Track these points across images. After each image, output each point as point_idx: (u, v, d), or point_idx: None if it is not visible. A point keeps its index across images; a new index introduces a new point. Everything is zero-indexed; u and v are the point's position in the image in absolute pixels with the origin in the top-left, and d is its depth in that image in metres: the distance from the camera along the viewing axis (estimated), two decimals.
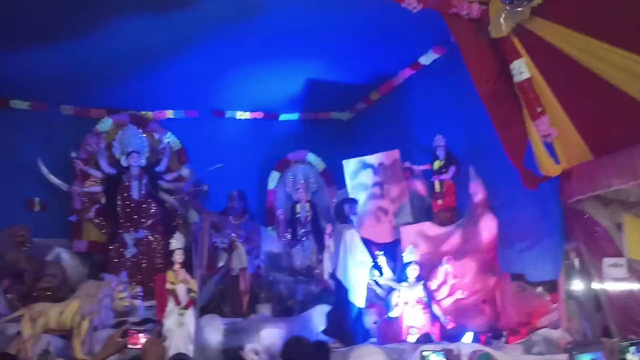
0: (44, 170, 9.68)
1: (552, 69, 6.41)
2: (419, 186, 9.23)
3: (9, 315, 7.10)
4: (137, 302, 6.93)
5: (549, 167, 6.70)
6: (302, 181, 10.74)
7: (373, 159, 9.25)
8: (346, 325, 7.32)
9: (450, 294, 7.78)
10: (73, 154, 9.83)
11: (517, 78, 6.44)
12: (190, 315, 7.17)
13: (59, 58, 8.76)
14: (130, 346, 2.81)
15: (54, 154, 9.93)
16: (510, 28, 6.29)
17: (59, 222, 9.94)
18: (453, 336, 7.33)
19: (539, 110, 6.45)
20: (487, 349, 5.81)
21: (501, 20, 6.25)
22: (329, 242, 7.98)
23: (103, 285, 6.71)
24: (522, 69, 6.42)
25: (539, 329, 6.98)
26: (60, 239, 9.72)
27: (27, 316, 6.46)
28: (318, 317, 7.85)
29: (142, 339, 2.79)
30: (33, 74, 9.23)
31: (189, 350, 6.89)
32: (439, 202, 8.78)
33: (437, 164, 8.86)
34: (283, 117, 11.68)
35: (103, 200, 9.81)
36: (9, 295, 8.23)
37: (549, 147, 6.64)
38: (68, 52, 8.62)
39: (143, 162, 9.90)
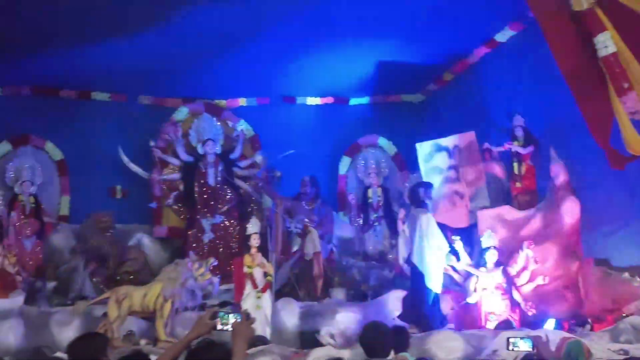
0: (125, 159, 10.03)
1: None
2: (497, 168, 8.96)
3: (96, 298, 7.40)
4: (215, 280, 7.08)
5: (637, 146, 6.32)
6: (374, 166, 10.65)
7: (447, 141, 9.05)
8: (422, 311, 7.23)
9: (530, 280, 7.55)
10: (151, 143, 10.11)
11: (602, 52, 6.09)
12: (266, 298, 7.29)
13: (136, 50, 9.06)
14: (219, 327, 2.83)
15: (133, 143, 10.26)
16: None
17: (140, 209, 10.29)
18: (534, 323, 7.14)
19: (626, 85, 6.07)
20: (576, 336, 5.58)
21: None
22: (403, 227, 7.88)
23: (181, 268, 6.88)
24: (607, 42, 6.06)
25: (627, 316, 6.67)
26: (141, 225, 10.09)
27: (112, 298, 6.71)
28: (393, 302, 7.78)
29: (232, 320, 2.81)
30: (112, 66, 9.60)
31: (267, 332, 7.02)
32: (518, 184, 8.51)
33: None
34: (353, 101, 11.61)
35: (181, 187, 10.09)
36: (94, 278, 8.63)
37: (637, 124, 6.26)
38: (145, 45, 8.90)
39: (218, 149, 10.10)
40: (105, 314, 6.77)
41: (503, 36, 9.03)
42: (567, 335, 5.63)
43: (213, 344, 2.76)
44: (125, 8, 7.96)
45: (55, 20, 8.16)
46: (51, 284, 8.57)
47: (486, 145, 8.96)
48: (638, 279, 6.90)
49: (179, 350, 2.86)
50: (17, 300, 7.55)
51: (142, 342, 6.86)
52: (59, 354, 6.23)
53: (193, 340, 2.84)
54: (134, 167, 10.07)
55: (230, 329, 2.77)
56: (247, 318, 2.80)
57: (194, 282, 6.77)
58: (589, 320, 7.02)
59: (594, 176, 7.40)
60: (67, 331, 6.96)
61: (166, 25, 8.45)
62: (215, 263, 7.24)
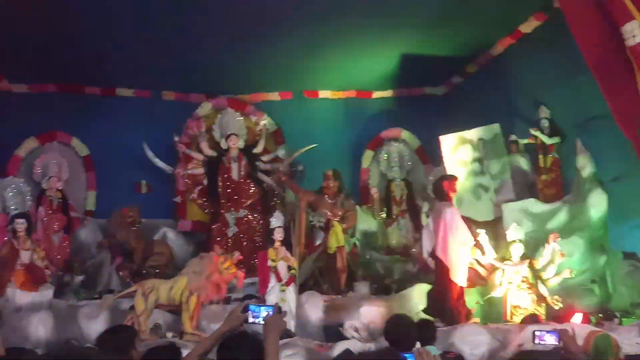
0: (150, 154, 10.14)
1: None
2: (522, 161, 8.86)
3: (122, 291, 7.50)
4: (240, 273, 7.12)
5: None
6: (397, 159, 10.62)
7: (472, 133, 8.95)
8: (447, 305, 7.18)
9: (557, 274, 7.45)
10: (176, 138, 10.21)
11: (630, 42, 5.97)
12: (291, 291, 7.32)
13: (160, 47, 9.13)
14: (250, 320, 2.85)
15: (158, 138, 10.35)
16: None
17: (165, 203, 10.41)
18: (560, 317, 7.05)
19: None
20: (603, 330, 5.51)
21: None
22: (427, 220, 7.84)
23: (206, 261, 6.93)
24: (635, 31, 5.94)
25: None
26: (166, 219, 10.20)
27: (139, 292, 6.77)
28: (418, 295, 7.76)
29: (263, 313, 2.83)
30: (136, 63, 9.69)
31: (291, 325, 7.04)
32: (544, 177, 8.41)
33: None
34: (376, 94, 11.56)
35: (205, 182, 10.17)
36: (120, 272, 8.74)
37: None
38: (168, 41, 8.97)
39: (241, 144, 10.15)
40: (132, 307, 6.84)
41: (527, 27, 8.89)
42: (595, 329, 5.56)
43: (245, 335, 2.78)
44: (149, 5, 8.02)
45: (80, 19, 8.26)
46: (79, 278, 8.70)
47: (512, 137, 8.85)
48: None
49: (211, 343, 2.89)
50: (46, 293, 7.68)
51: (169, 334, 6.93)
52: (88, 346, 6.36)
53: (225, 333, 2.87)
54: (159, 162, 10.18)
55: (262, 322, 2.79)
56: (279, 311, 2.82)
57: (219, 275, 6.81)
58: (617, 314, 6.93)
59: (622, 168, 7.28)
60: (95, 324, 7.07)
61: (189, 22, 8.50)
62: (240, 257, 7.27)
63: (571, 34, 6.37)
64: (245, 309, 2.87)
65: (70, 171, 10.16)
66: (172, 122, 10.47)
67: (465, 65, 10.48)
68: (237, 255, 7.17)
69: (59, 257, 9.08)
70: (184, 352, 3.12)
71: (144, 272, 8.63)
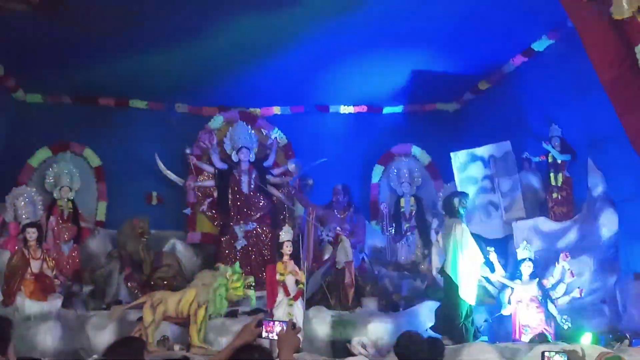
0: (161, 165, 10.19)
1: None
2: (533, 179, 8.83)
3: (131, 303, 7.50)
4: (250, 293, 7.10)
5: None
6: (407, 175, 10.60)
7: (483, 150, 8.95)
8: (456, 323, 7.14)
9: (566, 293, 7.39)
10: (187, 150, 10.27)
11: None
12: (298, 306, 7.30)
13: (173, 60, 9.23)
14: (264, 335, 2.84)
15: (170, 150, 10.42)
16: (635, 7, 5.83)
17: (175, 215, 10.43)
18: (569, 337, 6.98)
19: None
20: (614, 352, 5.45)
21: None
22: (437, 237, 7.82)
23: (218, 275, 6.93)
24: None
25: None
26: (175, 231, 10.22)
27: (148, 303, 6.79)
28: (426, 313, 7.72)
29: (277, 328, 2.82)
30: (150, 75, 9.78)
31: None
32: (555, 195, 8.37)
33: (551, 155, 8.44)
34: (387, 110, 11.56)
35: (215, 194, 10.20)
36: (129, 283, 8.76)
37: None
38: (182, 54, 9.07)
39: (252, 157, 10.18)
40: (140, 319, 6.85)
41: (541, 45, 8.90)
42: (605, 350, 5.50)
43: (257, 347, 2.78)
44: (164, 19, 8.13)
45: (95, 32, 8.36)
46: (88, 288, 8.74)
47: (526, 154, 8.83)
48: None
49: (225, 357, 2.88)
50: (55, 303, 7.71)
51: (176, 347, 6.93)
52: (95, 357, 6.37)
53: (239, 347, 2.86)
54: (170, 174, 10.23)
55: (275, 337, 2.79)
56: (293, 327, 2.82)
57: (224, 291, 6.80)
58: (627, 335, 6.85)
59: (633, 188, 7.22)
60: (102, 335, 7.09)
61: (203, 36, 8.60)
62: (254, 283, 7.25)
63: (584, 53, 6.36)
64: (259, 324, 2.86)
65: (81, 181, 10.21)
66: (184, 135, 10.54)
67: (477, 82, 10.48)
68: (251, 280, 7.14)
69: (68, 266, 9.11)
70: None
71: (153, 283, 8.64)
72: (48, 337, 7.04)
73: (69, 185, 9.89)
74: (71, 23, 8.08)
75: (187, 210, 10.41)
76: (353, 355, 6.75)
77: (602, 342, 6.74)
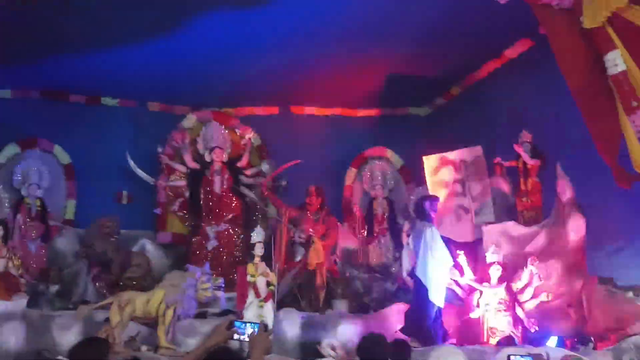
0: (132, 164, 10.06)
1: None
2: (502, 184, 8.94)
3: (98, 303, 7.39)
4: (219, 294, 7.05)
5: None
6: (380, 178, 10.64)
7: (454, 155, 9.03)
8: (425, 325, 7.18)
9: (534, 297, 7.50)
10: (159, 149, 10.16)
11: (612, 70, 6.08)
12: (269, 308, 7.27)
13: (146, 57, 9.12)
14: (235, 337, 2.82)
15: (141, 148, 10.30)
16: (604, 17, 5.96)
17: (145, 215, 10.30)
18: (536, 340, 7.10)
19: (634, 104, 6.05)
20: (577, 355, 5.54)
21: (595, 9, 5.93)
22: (407, 239, 7.86)
23: (187, 275, 6.87)
24: (617, 60, 6.06)
25: (631, 336, 6.61)
26: (145, 231, 10.08)
27: (115, 304, 6.69)
28: (395, 315, 7.75)
29: (248, 330, 2.80)
30: (122, 72, 9.64)
31: None
32: (524, 200, 8.48)
33: (522, 161, 8.54)
34: (361, 112, 11.61)
35: (187, 194, 10.12)
36: (97, 283, 8.63)
37: None
38: (155, 51, 8.96)
39: (225, 157, 10.11)
40: (107, 319, 6.75)
41: (513, 52, 9.04)
42: (570, 353, 5.60)
43: (229, 351, 2.75)
44: (137, 15, 8.03)
45: (66, 25, 8.23)
46: (54, 288, 8.56)
47: (497, 159, 8.94)
48: None
49: (194, 358, 2.86)
50: (20, 303, 7.53)
51: (143, 348, 6.83)
52: (59, 358, 6.24)
53: (209, 349, 2.84)
54: (141, 173, 10.10)
55: (247, 339, 2.77)
56: (265, 329, 2.80)
57: (194, 292, 6.74)
58: (592, 338, 6.97)
59: (601, 194, 7.36)
60: (68, 335, 6.94)
61: (177, 33, 8.52)
62: (223, 285, 7.18)
63: (555, 60, 6.47)
64: (231, 325, 2.84)
65: (50, 179, 9.99)
66: (156, 133, 10.43)
67: (449, 87, 10.59)
68: (220, 281, 7.08)
69: (35, 265, 8.94)
70: None
71: (121, 283, 8.52)
72: (12, 337, 6.86)
73: (37, 183, 9.69)
74: (41, 16, 7.93)
75: (158, 210, 10.29)
76: (322, 357, 6.74)
77: (567, 345, 6.86)
